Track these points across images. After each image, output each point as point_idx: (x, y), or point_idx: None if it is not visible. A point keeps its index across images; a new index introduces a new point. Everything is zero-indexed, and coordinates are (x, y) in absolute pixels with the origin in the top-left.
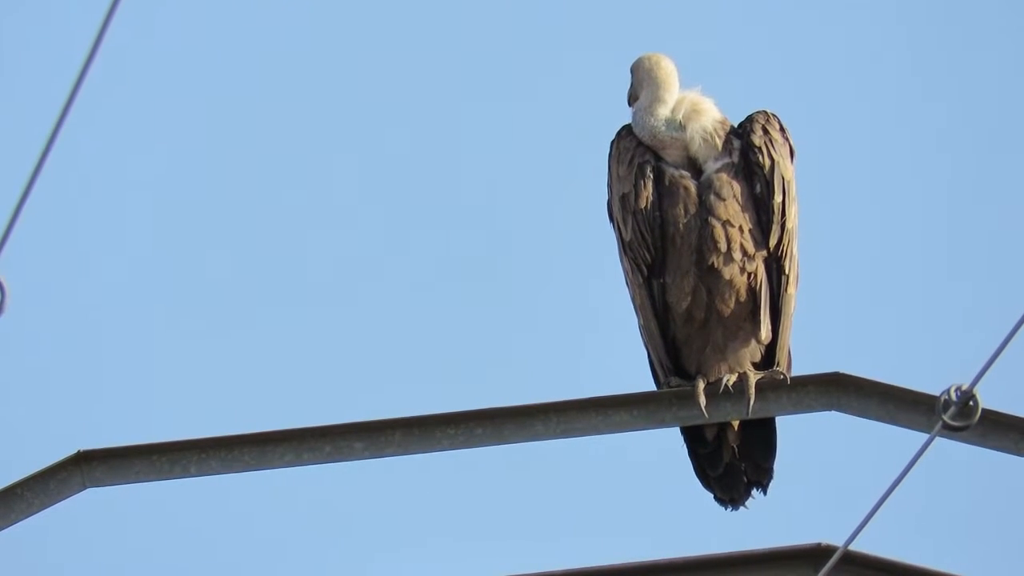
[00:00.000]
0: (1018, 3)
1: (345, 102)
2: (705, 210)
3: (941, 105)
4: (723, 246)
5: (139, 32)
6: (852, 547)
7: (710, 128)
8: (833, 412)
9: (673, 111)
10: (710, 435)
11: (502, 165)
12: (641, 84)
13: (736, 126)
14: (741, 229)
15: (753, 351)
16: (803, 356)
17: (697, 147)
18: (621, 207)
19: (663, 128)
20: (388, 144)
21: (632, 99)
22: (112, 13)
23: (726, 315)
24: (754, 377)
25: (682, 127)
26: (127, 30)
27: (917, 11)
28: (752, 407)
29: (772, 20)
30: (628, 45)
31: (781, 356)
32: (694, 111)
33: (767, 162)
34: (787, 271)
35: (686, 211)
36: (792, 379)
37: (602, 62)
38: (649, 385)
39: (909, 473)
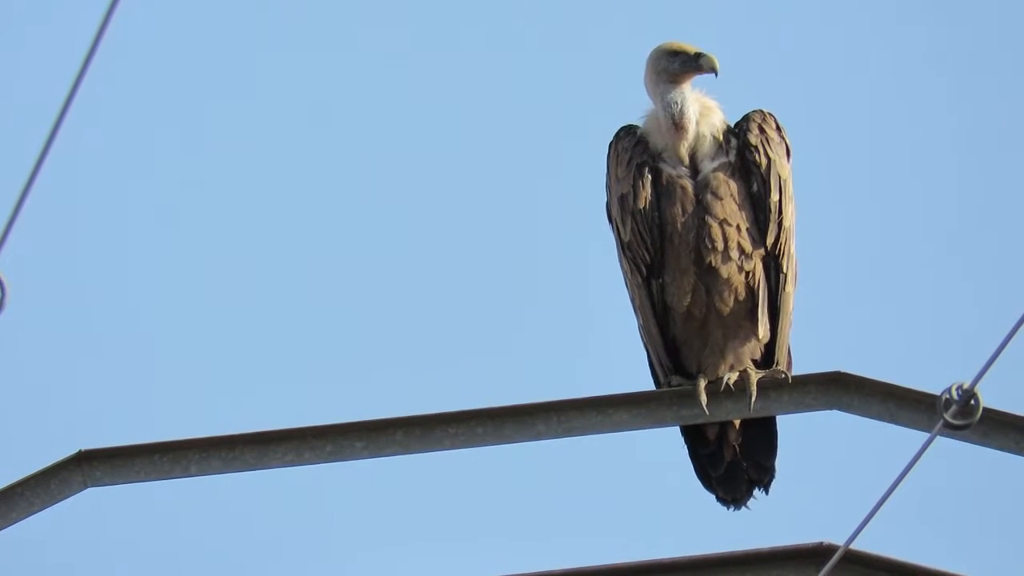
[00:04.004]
0: (1019, 3)
1: (345, 102)
2: (702, 209)
3: (942, 104)
4: (720, 245)
5: (139, 31)
6: (853, 546)
7: (718, 126)
8: (834, 411)
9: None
10: (711, 434)
11: (502, 166)
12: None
13: (732, 125)
14: (738, 228)
15: (753, 350)
16: (804, 355)
17: (707, 144)
18: (620, 208)
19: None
20: (389, 144)
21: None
22: (111, 11)
23: (725, 314)
24: (755, 375)
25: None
26: (127, 29)
27: (917, 10)
28: (754, 405)
29: (770, 19)
30: (628, 46)
31: (781, 355)
32: (704, 108)
33: (763, 161)
34: (785, 270)
35: (684, 210)
36: (793, 378)
37: (602, 62)
38: (649, 385)
39: (910, 472)
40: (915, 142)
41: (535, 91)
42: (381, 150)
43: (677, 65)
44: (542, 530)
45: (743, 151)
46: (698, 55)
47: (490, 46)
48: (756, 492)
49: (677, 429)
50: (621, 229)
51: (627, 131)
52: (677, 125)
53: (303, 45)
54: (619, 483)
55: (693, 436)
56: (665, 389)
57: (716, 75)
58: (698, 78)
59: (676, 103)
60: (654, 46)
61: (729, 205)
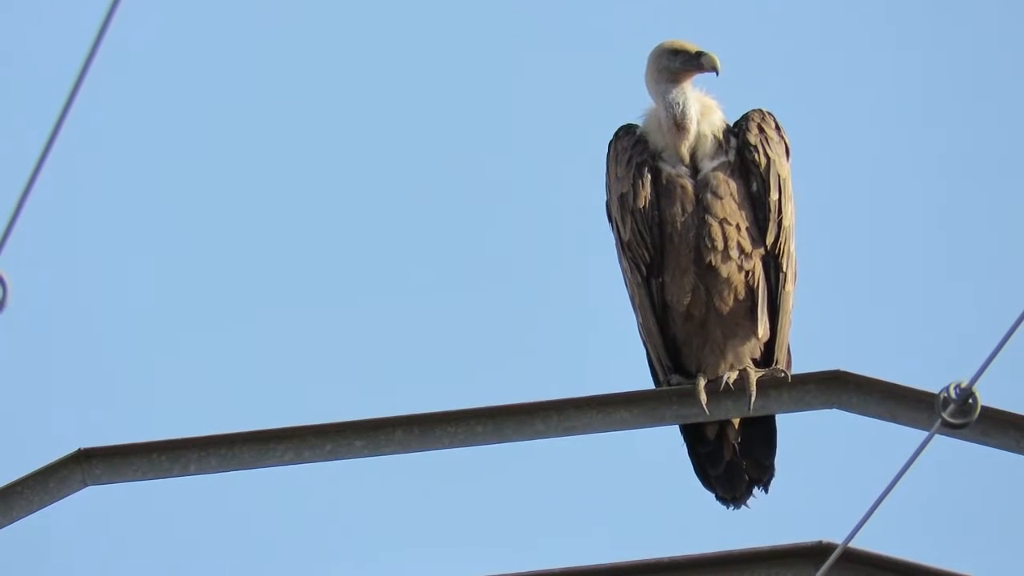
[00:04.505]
0: (1018, 3)
1: (345, 102)
2: (702, 208)
3: (941, 103)
4: (720, 244)
5: (139, 30)
6: (852, 544)
7: (719, 124)
8: (833, 410)
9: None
10: (711, 433)
11: (501, 165)
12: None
13: (732, 125)
14: (738, 227)
15: (753, 348)
16: (804, 354)
17: (707, 144)
18: (620, 207)
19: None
20: (388, 143)
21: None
22: (112, 12)
23: (725, 313)
24: (755, 374)
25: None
26: (127, 28)
27: (916, 10)
28: (753, 404)
29: (769, 19)
30: (628, 46)
31: (780, 354)
32: (704, 107)
33: (763, 160)
34: (785, 269)
35: (683, 210)
36: (793, 377)
37: (602, 62)
38: (649, 384)
39: (909, 471)
40: (915, 141)
41: (533, 90)
42: (382, 151)
43: (678, 64)
44: (541, 530)
45: (742, 150)
46: (699, 54)
47: (491, 46)
48: (755, 491)
49: (676, 428)
50: (621, 228)
51: (626, 130)
52: (679, 125)
53: (304, 44)
54: (619, 482)
55: (692, 435)
56: (665, 388)
57: (717, 74)
58: (698, 77)
59: (678, 103)
60: (655, 45)
61: (729, 204)
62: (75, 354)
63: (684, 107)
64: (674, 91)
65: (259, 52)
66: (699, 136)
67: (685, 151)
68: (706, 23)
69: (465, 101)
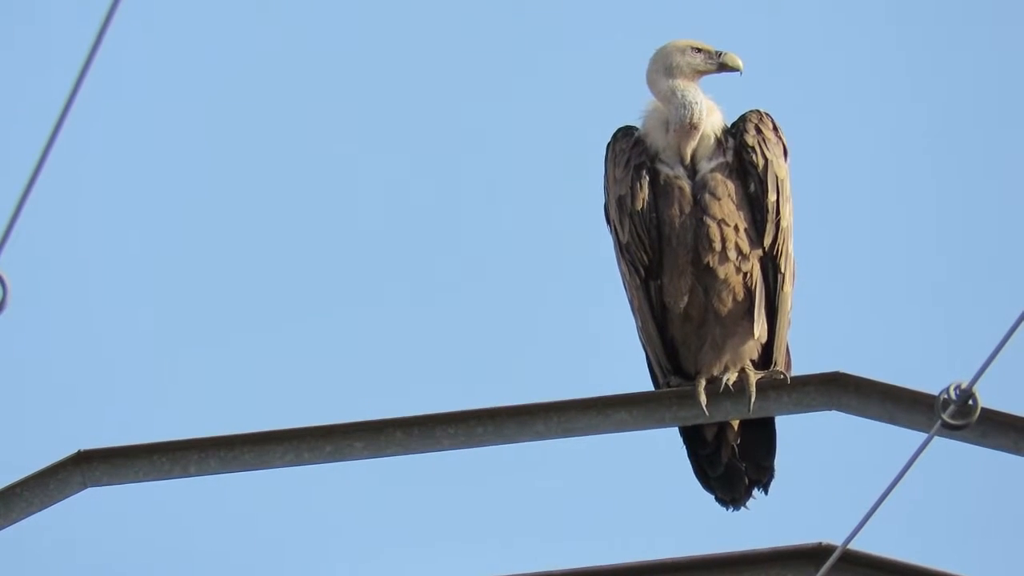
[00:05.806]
0: (1016, 3)
1: (346, 103)
2: (700, 209)
3: (940, 103)
4: (718, 245)
5: (140, 31)
6: (852, 546)
7: (719, 125)
8: (833, 411)
9: None
10: (710, 435)
11: (500, 166)
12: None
13: (729, 126)
14: (736, 228)
15: (751, 350)
16: (803, 355)
17: (708, 144)
18: (618, 209)
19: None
20: (388, 145)
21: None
22: (112, 12)
23: (723, 314)
24: (754, 376)
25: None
26: (128, 29)
27: (914, 9)
28: (753, 406)
29: (767, 18)
30: (627, 45)
31: (779, 355)
32: (707, 108)
33: (761, 161)
34: (783, 270)
35: (681, 211)
36: (792, 378)
37: (602, 63)
38: (649, 385)
39: (908, 472)
40: (914, 141)
41: (532, 91)
42: (383, 152)
43: (700, 61)
44: (542, 530)
45: (740, 151)
46: (719, 53)
47: (491, 44)
48: (755, 492)
49: (676, 430)
50: (619, 230)
51: (625, 132)
52: (694, 125)
53: (303, 45)
54: (619, 483)
55: (692, 437)
56: (664, 390)
57: (741, 73)
58: (715, 76)
59: (696, 102)
60: (663, 43)
61: (727, 205)
62: (75, 355)
63: (701, 107)
64: (691, 90)
65: (262, 52)
66: (701, 136)
67: (689, 151)
68: (703, 22)
69: (464, 102)
